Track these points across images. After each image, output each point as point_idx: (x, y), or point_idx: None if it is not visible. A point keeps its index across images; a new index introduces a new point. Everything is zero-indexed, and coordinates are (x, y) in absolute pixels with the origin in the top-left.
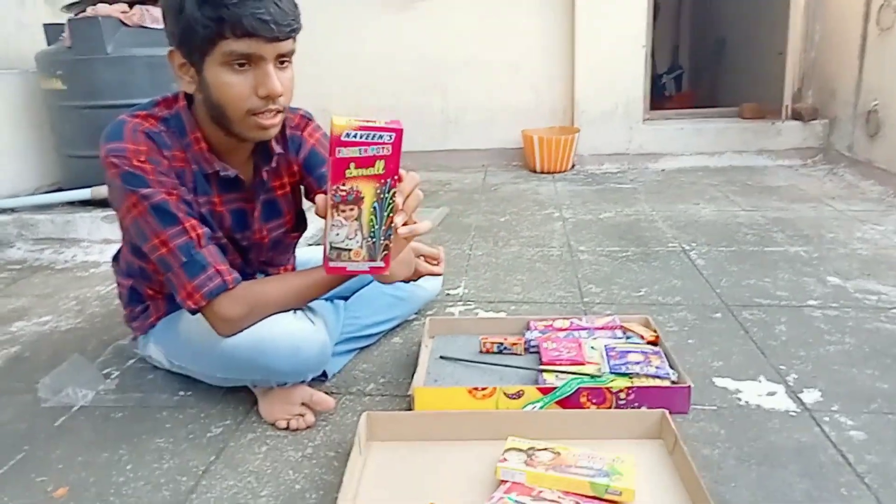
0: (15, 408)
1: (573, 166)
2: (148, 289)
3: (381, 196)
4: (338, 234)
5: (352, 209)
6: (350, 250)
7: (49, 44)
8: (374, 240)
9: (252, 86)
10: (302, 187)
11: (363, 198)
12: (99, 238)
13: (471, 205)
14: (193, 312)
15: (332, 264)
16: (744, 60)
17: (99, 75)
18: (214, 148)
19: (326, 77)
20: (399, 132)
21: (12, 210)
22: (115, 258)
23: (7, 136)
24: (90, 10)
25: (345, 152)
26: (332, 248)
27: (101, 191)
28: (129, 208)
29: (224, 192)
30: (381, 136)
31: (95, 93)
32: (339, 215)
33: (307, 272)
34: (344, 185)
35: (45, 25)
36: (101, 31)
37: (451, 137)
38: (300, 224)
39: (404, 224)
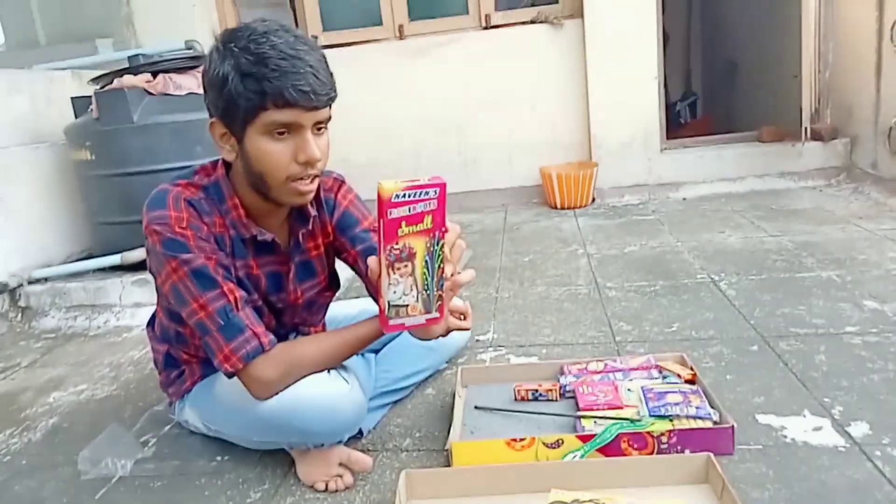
0: (56, 482)
1: (593, 200)
2: (184, 353)
3: (432, 249)
4: (395, 292)
5: (406, 265)
6: (407, 306)
7: (77, 116)
8: (428, 292)
9: (291, 153)
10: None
11: (415, 253)
12: (130, 302)
13: (493, 246)
14: (230, 376)
15: (391, 322)
16: (758, 83)
17: (126, 144)
18: (251, 213)
19: (346, 125)
20: (443, 186)
21: (45, 279)
22: (150, 324)
23: (39, 208)
24: (116, 82)
25: (395, 213)
26: (390, 306)
27: (131, 256)
28: (169, 273)
29: (260, 256)
30: (427, 193)
31: (123, 161)
32: (394, 273)
33: (341, 331)
34: (397, 243)
35: (73, 99)
36: (128, 102)
37: (470, 178)
38: (333, 284)
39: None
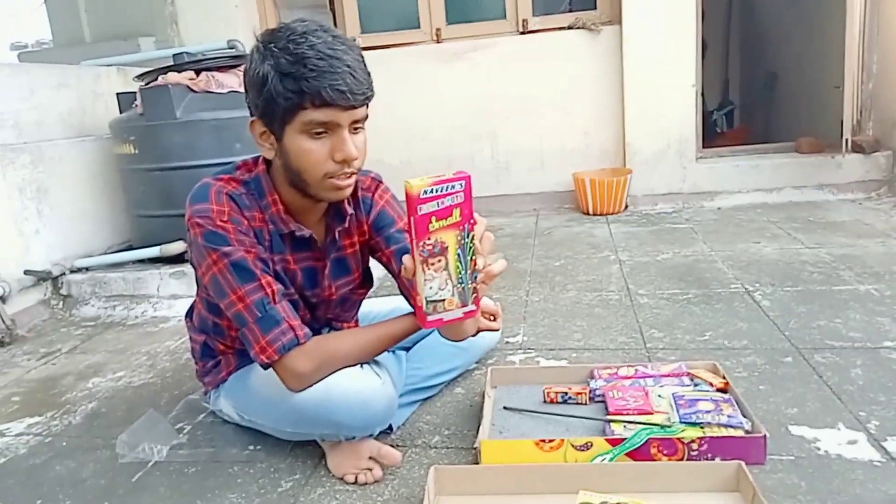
0: (95, 464)
1: (626, 207)
2: (220, 344)
3: (463, 242)
4: (431, 288)
5: (439, 260)
6: (444, 300)
7: (121, 111)
8: (462, 285)
9: (329, 151)
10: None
11: (447, 247)
12: (167, 294)
13: (525, 249)
14: (265, 367)
15: (430, 318)
16: (797, 94)
17: (168, 139)
18: (290, 209)
19: (380, 128)
20: (468, 178)
21: (87, 269)
22: (189, 315)
23: (82, 200)
24: (161, 79)
25: (425, 208)
26: (427, 302)
27: (170, 248)
28: (209, 266)
29: (297, 251)
30: (453, 186)
31: (165, 156)
32: (429, 269)
33: (375, 327)
34: (429, 239)
35: (118, 94)
36: (171, 98)
37: (503, 182)
38: (367, 281)
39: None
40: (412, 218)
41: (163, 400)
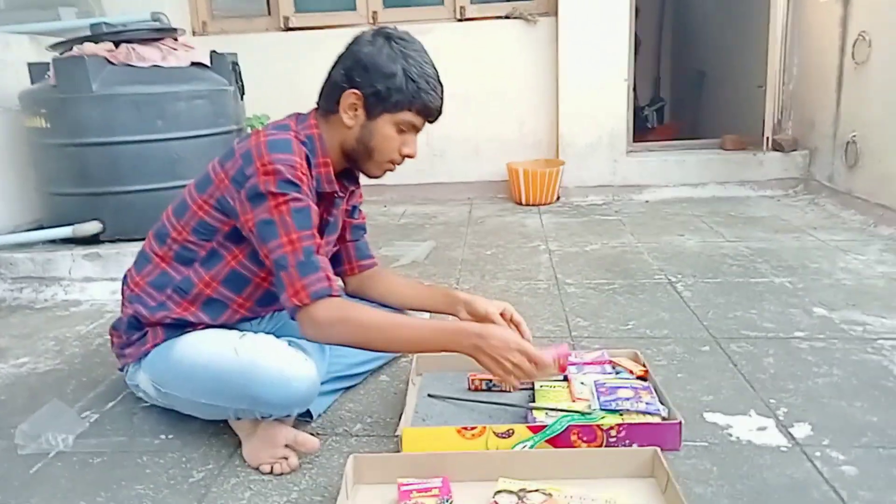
0: None
1: (558, 198)
2: (175, 306)
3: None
4: None
5: None
6: None
7: (33, 82)
8: None
9: (399, 144)
10: None
11: None
12: (80, 276)
13: (457, 238)
14: (293, 312)
15: None
16: (724, 93)
17: (84, 113)
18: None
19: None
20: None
21: None
22: (126, 280)
23: None
24: (76, 50)
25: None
26: None
27: (84, 228)
28: (268, 209)
29: (320, 205)
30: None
31: (80, 131)
32: None
33: (410, 318)
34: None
35: (30, 64)
36: (87, 70)
37: (437, 170)
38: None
39: None
40: None
41: (70, 387)
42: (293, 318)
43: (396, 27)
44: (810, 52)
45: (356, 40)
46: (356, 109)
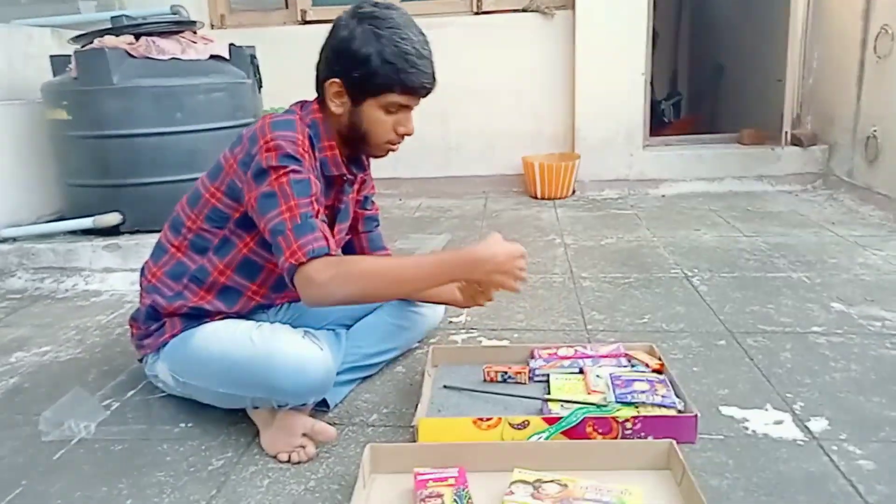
0: (14, 441)
1: (574, 192)
2: (192, 296)
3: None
4: None
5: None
6: None
7: (55, 75)
8: None
9: (394, 124)
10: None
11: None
12: (100, 267)
13: (472, 231)
14: (291, 274)
15: None
16: (742, 87)
17: (104, 105)
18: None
19: None
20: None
21: (14, 239)
22: (144, 271)
23: (10, 166)
24: (97, 42)
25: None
26: None
27: (104, 220)
28: (269, 182)
29: (328, 192)
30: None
31: (101, 123)
32: None
33: (405, 257)
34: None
35: (52, 57)
36: (108, 63)
37: (453, 164)
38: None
39: None
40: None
41: (91, 376)
42: (292, 284)
43: (379, 5)
44: (831, 46)
45: (333, 25)
46: (341, 97)
